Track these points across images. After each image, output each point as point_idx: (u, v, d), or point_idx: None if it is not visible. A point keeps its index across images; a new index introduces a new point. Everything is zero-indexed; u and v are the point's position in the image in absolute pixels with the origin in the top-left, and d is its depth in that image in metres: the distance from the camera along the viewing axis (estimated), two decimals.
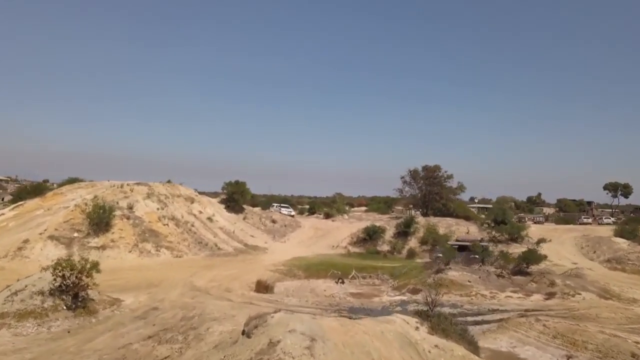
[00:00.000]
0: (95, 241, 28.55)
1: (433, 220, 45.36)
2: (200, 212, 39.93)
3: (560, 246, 37.51)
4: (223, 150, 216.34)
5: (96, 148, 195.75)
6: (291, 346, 9.80)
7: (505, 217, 41.44)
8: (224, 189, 48.68)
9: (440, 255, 30.32)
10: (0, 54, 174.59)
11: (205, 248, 33.74)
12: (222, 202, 47.53)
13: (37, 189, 39.44)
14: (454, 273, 25.30)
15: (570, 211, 79.49)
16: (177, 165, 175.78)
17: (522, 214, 65.51)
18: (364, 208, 68.59)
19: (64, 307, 15.69)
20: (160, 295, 19.94)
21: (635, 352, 13.87)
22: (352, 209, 65.12)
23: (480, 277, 25.22)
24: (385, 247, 39.89)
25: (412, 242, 40.15)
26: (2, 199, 56.00)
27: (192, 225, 36.12)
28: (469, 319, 18.96)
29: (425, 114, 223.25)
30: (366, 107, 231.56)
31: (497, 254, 29.40)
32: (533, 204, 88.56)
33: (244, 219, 45.54)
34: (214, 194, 55.49)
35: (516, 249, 33.55)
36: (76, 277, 16.00)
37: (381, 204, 64.67)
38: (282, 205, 57.63)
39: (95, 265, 16.55)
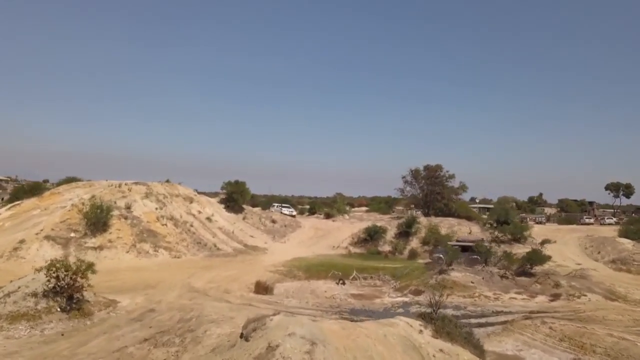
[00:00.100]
0: (92, 241, 28.16)
1: (435, 220, 44.94)
2: (199, 212, 39.55)
3: (564, 246, 37.08)
4: (223, 150, 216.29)
5: (96, 148, 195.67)
6: (290, 350, 9.40)
7: (508, 217, 41.03)
8: (223, 189, 48.27)
9: (441, 255, 29.96)
10: (0, 54, 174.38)
11: (204, 248, 33.35)
12: (221, 202, 47.14)
13: (34, 189, 39.01)
14: (457, 274, 24.88)
15: (571, 211, 79.05)
16: (177, 165, 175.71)
17: (523, 214, 65.05)
18: (364, 208, 68.23)
19: (58, 309, 15.31)
20: (158, 296, 19.56)
21: None
22: (353, 209, 64.76)
23: (483, 278, 24.80)
24: (386, 248, 39.49)
25: (414, 243, 39.73)
26: (2, 199, 55.64)
27: (191, 226, 35.73)
28: (473, 321, 18.57)
29: (425, 114, 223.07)
30: (366, 107, 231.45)
31: (501, 255, 28.97)
32: (534, 204, 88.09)
33: (244, 219, 45.14)
34: (214, 194, 55.12)
35: (519, 250, 33.13)
36: (71, 278, 15.62)
37: (382, 204, 64.30)
38: (283, 205, 57.26)
39: (90, 266, 16.19)
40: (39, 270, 15.49)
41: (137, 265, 26.70)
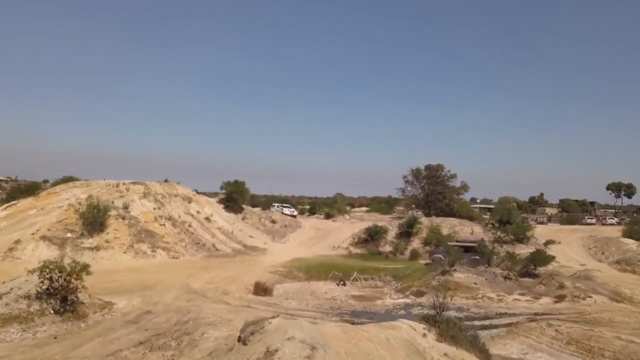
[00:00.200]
0: (89, 242, 27.76)
1: (436, 220, 44.51)
2: (198, 212, 39.15)
3: (567, 247, 36.68)
4: (223, 151, 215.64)
5: (96, 148, 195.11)
6: (290, 355, 9.01)
7: (510, 217, 40.61)
8: (222, 189, 47.83)
9: (440, 256, 29.60)
10: (0, 54, 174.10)
11: (203, 249, 32.95)
12: (220, 202, 46.72)
13: (31, 189, 38.62)
14: (460, 275, 24.48)
15: (573, 211, 78.58)
16: (177, 165, 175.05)
17: (524, 214, 64.59)
18: (364, 208, 67.89)
19: (51, 312, 14.92)
20: (155, 298, 19.18)
21: None
22: (353, 210, 64.44)
23: (486, 279, 24.40)
24: (387, 248, 39.08)
25: (415, 243, 39.30)
26: (2, 199, 55.26)
27: (190, 226, 35.33)
28: (476, 323, 18.18)
29: (425, 114, 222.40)
30: (366, 107, 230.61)
31: (504, 255, 28.54)
32: (535, 204, 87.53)
33: (243, 219, 44.74)
34: (213, 194, 54.74)
35: (522, 250, 32.76)
36: (64, 279, 15.23)
37: (382, 204, 63.92)
38: (284, 205, 56.89)
39: (85, 268, 15.79)
40: (31, 271, 15.12)
41: (134, 266, 26.32)
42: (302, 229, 47.27)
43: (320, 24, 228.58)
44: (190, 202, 40.26)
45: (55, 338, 13.55)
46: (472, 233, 40.32)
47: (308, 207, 67.04)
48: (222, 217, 41.99)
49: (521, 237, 37.22)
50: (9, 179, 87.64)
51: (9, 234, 27.54)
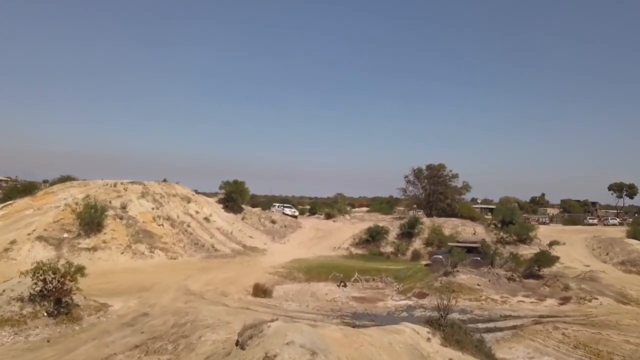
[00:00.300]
0: (86, 242, 27.36)
1: (438, 220, 44.09)
2: (197, 212, 38.75)
3: (571, 248, 36.21)
4: (223, 151, 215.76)
5: (96, 148, 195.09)
6: None
7: (513, 217, 40.19)
8: (221, 188, 47.40)
9: (440, 257, 29.23)
10: (0, 54, 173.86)
11: (202, 249, 32.55)
12: (219, 202, 46.33)
13: (28, 188, 38.21)
14: (463, 276, 24.05)
15: (574, 212, 78.19)
16: (177, 165, 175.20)
17: (525, 215, 64.16)
18: (365, 209, 67.59)
19: (45, 314, 14.54)
20: (152, 299, 18.80)
21: None
22: (354, 210, 64.13)
23: (489, 281, 23.97)
24: (388, 249, 38.66)
25: (417, 244, 38.86)
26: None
27: (188, 226, 34.92)
28: (480, 325, 17.74)
29: (426, 114, 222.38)
30: (366, 107, 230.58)
31: (507, 256, 28.10)
32: (537, 204, 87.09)
33: (243, 219, 44.33)
34: (213, 194, 54.37)
35: (525, 251, 32.31)
36: (58, 281, 14.86)
37: (383, 204, 63.55)
38: (285, 205, 56.54)
39: (80, 269, 15.42)
40: (24, 273, 14.76)
41: (132, 267, 25.93)
42: (302, 229, 46.88)
43: (320, 24, 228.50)
44: (189, 202, 39.87)
45: (48, 341, 13.17)
46: (474, 233, 39.91)
47: (308, 207, 66.77)
48: (221, 217, 41.59)
49: (524, 238, 36.80)
50: (9, 179, 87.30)
51: (4, 234, 27.12)
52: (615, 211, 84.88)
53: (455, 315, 16.70)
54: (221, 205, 45.10)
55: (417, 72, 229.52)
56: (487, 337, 15.21)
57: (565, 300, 21.56)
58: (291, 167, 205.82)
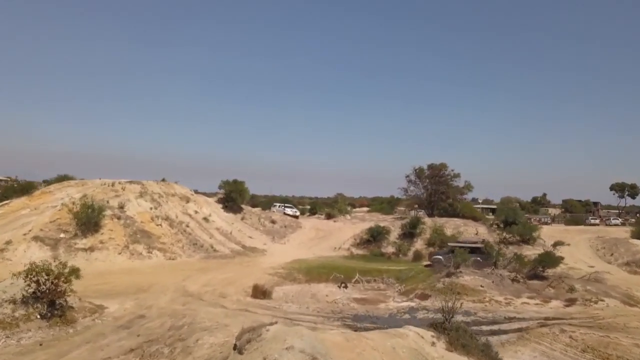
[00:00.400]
0: (82, 242, 26.95)
1: (440, 221, 43.62)
2: (196, 212, 38.33)
3: (575, 248, 35.77)
4: (223, 151, 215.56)
5: (96, 148, 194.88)
6: None
7: (516, 217, 39.73)
8: (221, 188, 46.93)
9: (440, 257, 28.83)
10: (0, 54, 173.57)
11: (201, 250, 32.13)
12: (219, 201, 45.89)
13: (25, 188, 37.80)
14: (466, 277, 23.64)
15: (576, 212, 77.83)
16: (177, 165, 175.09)
17: (527, 215, 63.71)
18: (365, 209, 67.23)
19: (38, 316, 14.16)
20: (149, 301, 18.41)
21: None
22: (354, 210, 63.74)
23: (493, 282, 23.55)
24: (390, 249, 38.20)
25: (418, 244, 38.41)
26: None
27: (187, 226, 34.50)
28: (484, 328, 17.34)
29: (426, 114, 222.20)
30: (366, 107, 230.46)
31: (511, 257, 27.66)
32: (538, 204, 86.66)
33: (242, 219, 43.91)
34: (212, 194, 53.99)
35: (528, 251, 31.86)
36: (52, 282, 14.48)
37: (384, 204, 63.16)
38: (286, 205, 56.11)
39: (74, 271, 15.03)
40: (17, 274, 14.38)
41: (129, 268, 25.52)
42: (302, 230, 46.46)
43: (320, 24, 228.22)
44: (188, 201, 39.45)
45: (40, 345, 12.79)
46: (476, 234, 39.45)
47: (309, 207, 66.44)
48: (220, 217, 41.18)
49: (527, 238, 36.35)
50: (9, 179, 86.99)
51: (0, 234, 26.75)
52: (617, 211, 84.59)
53: (459, 317, 16.26)
54: (220, 205, 44.67)
55: (417, 72, 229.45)
56: (492, 340, 14.80)
57: (570, 302, 21.13)
58: (291, 167, 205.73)
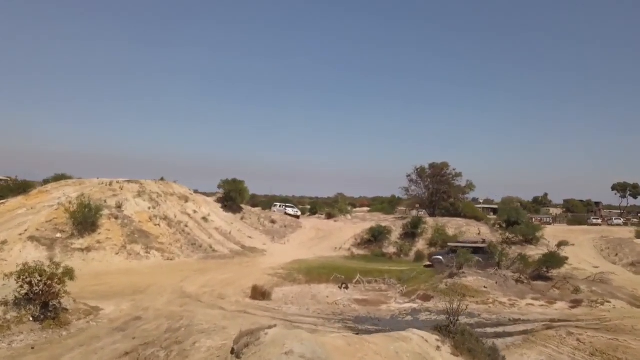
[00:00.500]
0: (79, 242, 26.51)
1: (442, 220, 43.16)
2: (195, 212, 37.90)
3: (579, 248, 35.35)
4: (223, 151, 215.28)
5: (96, 148, 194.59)
6: None
7: (519, 217, 39.28)
8: (220, 187, 46.44)
9: (440, 257, 28.42)
10: (0, 54, 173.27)
11: (199, 250, 31.72)
12: (218, 201, 45.43)
13: (22, 187, 37.36)
14: (470, 278, 23.22)
15: (577, 212, 77.44)
16: (177, 165, 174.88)
17: (528, 215, 63.26)
18: (366, 208, 66.84)
19: (30, 319, 13.77)
20: (146, 302, 18.01)
21: None
22: (355, 210, 63.33)
23: (497, 283, 23.13)
24: (391, 249, 37.75)
25: (420, 244, 37.97)
26: None
27: (186, 226, 34.08)
28: (489, 330, 16.91)
29: (426, 114, 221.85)
30: (366, 107, 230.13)
31: (515, 257, 27.23)
32: (539, 204, 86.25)
33: (242, 219, 43.47)
34: (212, 194, 53.56)
35: (531, 252, 31.42)
36: (45, 284, 14.08)
37: (385, 204, 62.74)
38: (287, 204, 55.67)
39: (69, 272, 14.64)
40: (9, 275, 13.99)
41: (126, 268, 25.11)
42: (302, 230, 46.04)
43: (320, 24, 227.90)
44: (186, 201, 39.02)
45: (32, 348, 12.42)
46: (479, 233, 39.00)
47: (309, 207, 66.08)
48: (220, 217, 40.75)
49: (530, 238, 35.91)
50: (9, 179, 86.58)
51: None
52: (619, 211, 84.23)
53: (462, 319, 15.84)
54: (220, 205, 44.22)
55: (417, 72, 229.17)
56: (498, 342, 14.37)
57: (576, 303, 20.71)
58: (291, 167, 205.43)
